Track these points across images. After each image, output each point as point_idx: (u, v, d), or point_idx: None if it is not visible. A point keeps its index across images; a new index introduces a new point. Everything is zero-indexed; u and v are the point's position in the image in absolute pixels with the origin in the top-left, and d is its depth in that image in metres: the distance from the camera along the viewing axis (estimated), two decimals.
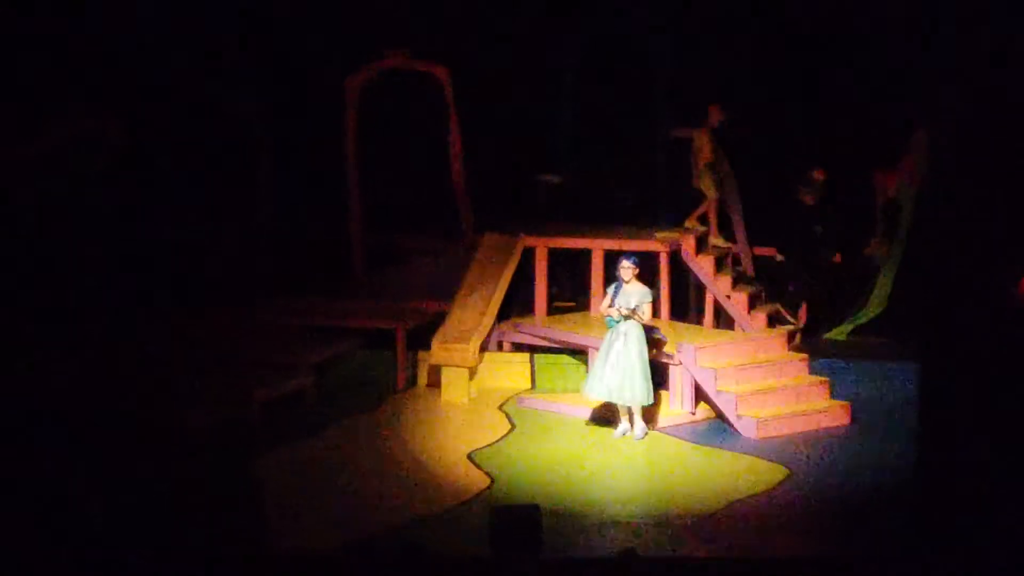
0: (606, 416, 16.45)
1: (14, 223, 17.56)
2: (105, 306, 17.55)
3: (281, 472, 14.95)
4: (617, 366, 15.95)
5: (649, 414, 16.29)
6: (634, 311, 16.00)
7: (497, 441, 16.02)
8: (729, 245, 18.86)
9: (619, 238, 18.37)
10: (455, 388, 17.40)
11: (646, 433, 16.09)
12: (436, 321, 17.89)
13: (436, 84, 19.45)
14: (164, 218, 18.61)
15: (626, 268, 16.10)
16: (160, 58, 18.70)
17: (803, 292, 18.71)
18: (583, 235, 18.61)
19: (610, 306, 16.08)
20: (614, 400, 16.10)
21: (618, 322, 16.02)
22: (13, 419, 15.12)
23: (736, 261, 18.97)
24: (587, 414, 16.77)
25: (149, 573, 11.69)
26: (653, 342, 16.37)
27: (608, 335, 16.10)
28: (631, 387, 15.95)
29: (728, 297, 18.35)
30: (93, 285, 17.57)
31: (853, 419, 16.61)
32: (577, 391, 17.35)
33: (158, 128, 18.67)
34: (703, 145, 18.48)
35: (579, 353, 17.80)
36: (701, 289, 18.68)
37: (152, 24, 18.58)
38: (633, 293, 16.05)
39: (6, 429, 14.91)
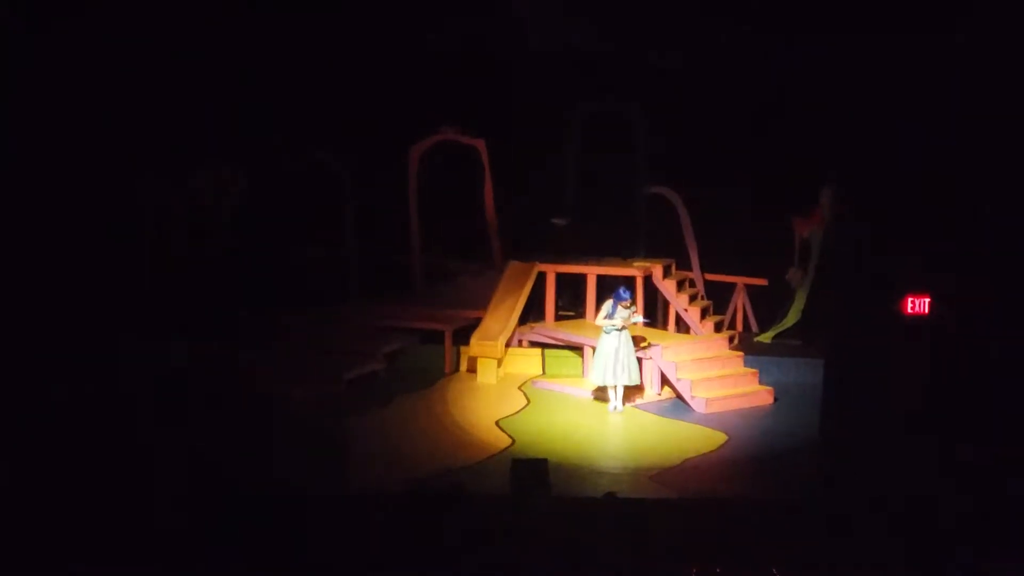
0: (599, 396, 16.48)
1: (167, 247, 17.65)
2: (236, 307, 17.58)
3: (360, 431, 14.93)
4: (618, 359, 16.05)
5: (630, 395, 16.33)
6: (634, 323, 16.32)
7: (517, 412, 16.06)
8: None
9: (607, 266, 18.25)
10: (487, 373, 17.40)
11: (623, 408, 16.15)
12: (474, 324, 17.83)
13: (476, 151, 19.30)
14: (278, 244, 18.58)
15: (624, 301, 16.16)
16: (275, 126, 18.45)
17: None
18: (582, 263, 18.38)
19: (607, 317, 16.12)
20: (615, 382, 16.07)
21: (617, 330, 16.12)
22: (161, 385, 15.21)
23: (692, 284, 18.90)
24: (584, 394, 16.69)
25: (258, 508, 11.45)
26: (636, 342, 16.53)
27: (606, 338, 16.14)
28: (627, 372, 16.08)
29: (686, 310, 18.31)
30: (228, 291, 17.64)
31: (775, 399, 16.61)
32: (575, 377, 17.43)
33: (273, 178, 18.66)
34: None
35: (577, 349, 17.72)
36: (666, 304, 18.63)
37: (268, 99, 18.23)
38: (627, 311, 16.23)
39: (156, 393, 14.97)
